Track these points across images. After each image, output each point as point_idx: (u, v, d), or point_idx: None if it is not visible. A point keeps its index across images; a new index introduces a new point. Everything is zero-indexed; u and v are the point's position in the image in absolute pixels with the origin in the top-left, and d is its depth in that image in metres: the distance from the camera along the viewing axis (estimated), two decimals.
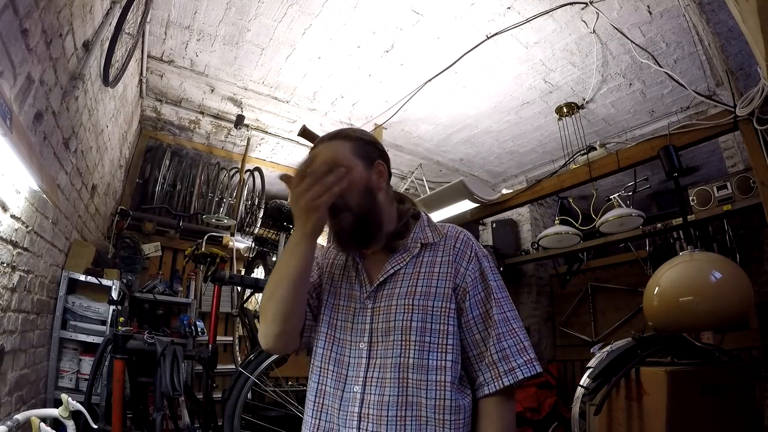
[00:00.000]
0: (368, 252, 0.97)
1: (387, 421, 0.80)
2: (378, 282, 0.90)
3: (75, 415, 1.49)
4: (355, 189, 0.88)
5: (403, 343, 0.83)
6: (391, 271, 0.90)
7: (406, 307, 0.85)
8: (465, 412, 0.83)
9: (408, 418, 0.80)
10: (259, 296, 3.13)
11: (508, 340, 0.86)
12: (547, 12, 2.37)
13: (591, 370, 2.04)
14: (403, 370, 0.82)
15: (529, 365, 0.85)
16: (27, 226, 1.59)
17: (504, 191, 3.56)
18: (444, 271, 0.89)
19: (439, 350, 0.84)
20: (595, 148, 2.89)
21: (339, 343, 0.90)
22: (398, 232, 0.95)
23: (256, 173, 4.24)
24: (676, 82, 2.56)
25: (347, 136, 0.95)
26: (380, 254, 0.95)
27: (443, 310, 0.86)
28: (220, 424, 1.81)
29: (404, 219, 0.96)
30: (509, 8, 2.37)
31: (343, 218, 0.89)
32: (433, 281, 0.88)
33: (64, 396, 1.48)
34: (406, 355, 0.83)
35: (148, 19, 2.42)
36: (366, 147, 0.95)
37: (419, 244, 0.93)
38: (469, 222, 3.34)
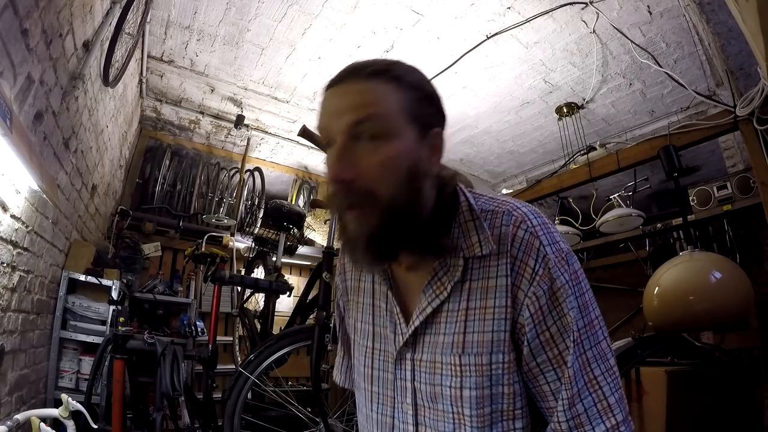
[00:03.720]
0: (398, 267, 0.68)
1: None
2: (413, 326, 0.64)
3: (75, 415, 1.49)
4: (395, 170, 0.56)
5: (456, 416, 0.60)
6: (429, 309, 0.62)
7: (455, 368, 0.60)
8: None
9: None
10: (259, 296, 3.13)
11: (586, 398, 0.58)
12: (547, 12, 2.37)
13: None
14: None
15: None
16: (27, 226, 1.59)
17: (504, 191, 3.56)
18: (502, 304, 0.59)
19: (505, 418, 0.60)
20: (595, 148, 2.89)
21: (379, 399, 0.68)
22: (436, 231, 0.62)
23: (256, 173, 4.24)
24: (676, 82, 2.56)
25: (397, 77, 0.60)
26: (416, 270, 0.65)
27: (506, 366, 0.59)
28: (220, 424, 1.81)
29: (444, 208, 0.63)
30: (509, 8, 2.37)
31: (366, 214, 0.57)
32: (488, 322, 0.59)
33: (64, 396, 1.48)
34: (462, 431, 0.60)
35: (148, 19, 2.42)
36: (422, 103, 0.62)
37: (462, 260, 0.61)
38: None
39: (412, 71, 0.64)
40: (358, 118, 0.56)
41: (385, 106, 0.56)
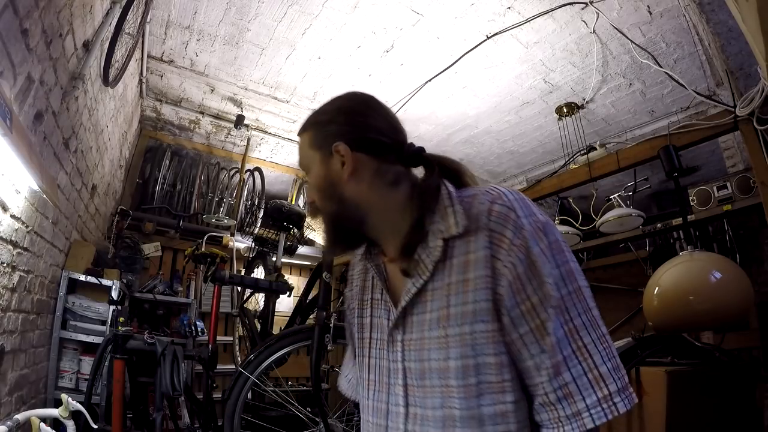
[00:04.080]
0: (389, 262, 0.74)
1: None
2: (402, 307, 0.67)
3: (75, 415, 1.49)
4: (316, 189, 0.73)
5: (443, 389, 0.61)
6: (414, 289, 0.66)
7: (440, 340, 0.62)
8: None
9: None
10: (259, 296, 3.13)
11: (574, 367, 0.56)
12: (547, 12, 2.37)
13: None
14: (449, 426, 0.61)
15: (605, 405, 0.55)
16: (27, 226, 1.59)
17: None
18: (482, 275, 0.60)
19: (493, 391, 0.59)
20: (595, 148, 2.89)
21: (375, 387, 0.72)
22: (417, 226, 0.67)
23: (256, 173, 4.24)
24: (676, 82, 2.56)
25: (311, 123, 0.76)
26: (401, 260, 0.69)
27: (489, 335, 0.60)
28: (220, 424, 1.81)
29: (425, 203, 0.67)
30: (509, 8, 2.37)
31: (319, 220, 0.75)
32: (469, 294, 0.61)
33: (64, 396, 1.48)
34: (450, 405, 0.61)
35: (148, 19, 2.42)
36: (322, 130, 0.73)
37: (440, 241, 0.64)
38: None
39: (326, 106, 0.79)
40: (299, 164, 0.80)
41: (302, 152, 0.77)
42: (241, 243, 3.96)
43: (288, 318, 2.38)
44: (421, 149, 0.74)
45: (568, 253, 0.61)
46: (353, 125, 0.73)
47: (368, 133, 0.72)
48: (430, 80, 2.99)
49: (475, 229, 0.62)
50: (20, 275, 1.61)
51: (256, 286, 2.51)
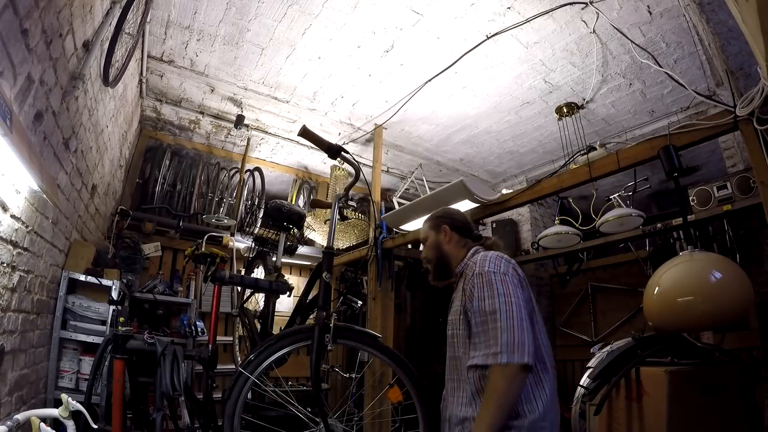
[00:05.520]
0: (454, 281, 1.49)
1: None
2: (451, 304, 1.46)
3: (75, 415, 1.49)
4: (431, 247, 1.50)
5: (457, 339, 1.36)
6: (453, 296, 1.44)
7: (455, 317, 1.36)
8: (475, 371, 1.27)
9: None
10: (259, 296, 3.13)
11: (486, 341, 1.21)
12: (547, 12, 2.37)
13: (591, 370, 2.04)
14: (455, 357, 1.37)
15: (492, 355, 1.17)
16: (27, 226, 1.59)
17: (504, 191, 3.56)
18: (459, 297, 1.36)
19: (462, 344, 1.32)
20: (595, 148, 2.88)
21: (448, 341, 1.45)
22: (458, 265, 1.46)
23: (256, 173, 4.24)
24: (676, 82, 2.56)
25: (427, 219, 1.58)
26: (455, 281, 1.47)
27: (462, 318, 1.32)
28: (220, 424, 1.81)
29: (462, 257, 1.45)
30: (509, 8, 2.37)
31: (430, 265, 1.50)
32: (457, 301, 1.38)
33: (64, 396, 1.48)
34: (455, 347, 1.37)
35: (148, 19, 2.42)
36: (435, 220, 1.53)
37: (463, 277, 1.38)
38: None
39: (438, 213, 1.59)
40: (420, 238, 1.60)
41: (425, 233, 1.56)
42: (241, 243, 3.96)
43: (288, 318, 2.38)
44: (479, 235, 1.54)
45: (497, 287, 1.24)
46: (453, 220, 1.52)
47: (455, 223, 1.51)
48: (430, 80, 2.99)
49: (471, 275, 1.32)
50: (20, 275, 1.61)
51: (256, 286, 2.51)
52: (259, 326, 2.60)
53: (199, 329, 3.26)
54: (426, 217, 1.56)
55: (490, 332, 1.17)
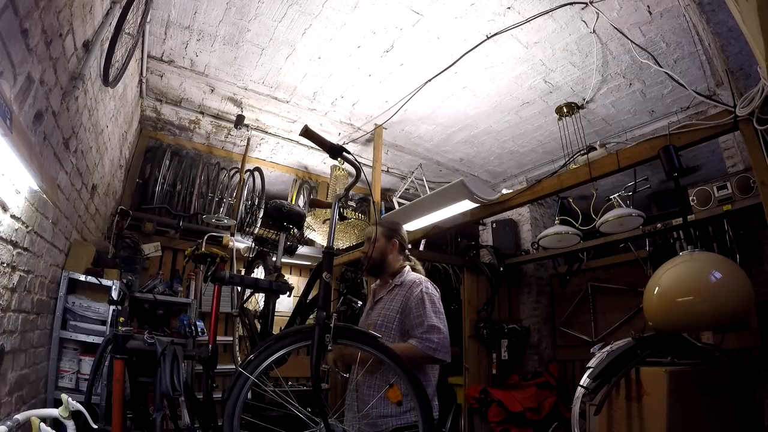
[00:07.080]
0: (380, 285, 1.90)
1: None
2: (374, 302, 1.86)
3: (75, 415, 1.49)
4: (378, 250, 1.83)
5: (386, 330, 1.73)
6: (380, 295, 1.83)
7: (384, 315, 1.75)
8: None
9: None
10: (259, 296, 3.13)
11: (424, 329, 1.62)
12: (547, 12, 2.37)
13: (591, 370, 2.04)
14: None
15: (423, 342, 1.59)
16: (27, 226, 1.59)
17: (504, 191, 3.56)
18: (399, 303, 1.73)
19: (394, 335, 1.70)
20: (595, 148, 2.88)
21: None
22: (393, 274, 1.84)
23: (256, 173, 4.24)
24: (676, 82, 2.56)
25: (382, 224, 1.89)
26: (386, 281, 1.87)
27: (396, 318, 1.71)
28: (220, 424, 1.81)
29: (400, 269, 1.85)
30: (509, 8, 2.37)
31: (370, 262, 1.82)
32: (393, 307, 1.75)
33: (64, 396, 1.48)
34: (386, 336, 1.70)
35: (148, 19, 2.42)
36: (390, 231, 1.86)
37: (394, 286, 1.79)
38: (469, 222, 3.34)
39: (394, 227, 1.92)
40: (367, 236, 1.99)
41: (377, 235, 1.85)
42: (241, 243, 3.96)
43: (288, 318, 2.38)
44: (408, 255, 1.94)
45: (433, 301, 1.70)
46: (400, 237, 1.89)
47: (402, 242, 1.89)
48: (430, 80, 2.99)
49: (408, 287, 1.75)
50: (20, 275, 1.61)
51: (256, 286, 2.50)
52: (259, 326, 2.60)
53: (199, 329, 3.26)
54: (381, 219, 1.88)
55: (427, 328, 1.64)
